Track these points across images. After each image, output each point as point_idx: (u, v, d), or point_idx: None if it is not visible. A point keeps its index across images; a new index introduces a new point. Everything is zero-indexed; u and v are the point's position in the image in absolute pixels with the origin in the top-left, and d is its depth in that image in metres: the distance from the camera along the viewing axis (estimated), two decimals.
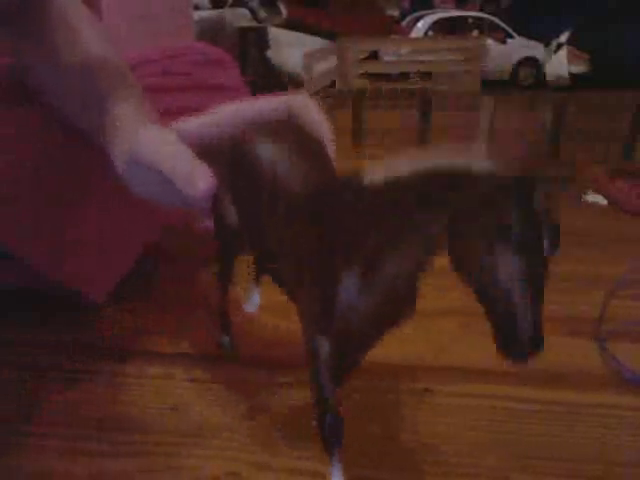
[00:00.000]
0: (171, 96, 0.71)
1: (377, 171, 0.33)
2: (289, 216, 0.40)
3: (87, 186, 0.63)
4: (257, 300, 0.69)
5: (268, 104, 0.44)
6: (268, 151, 0.42)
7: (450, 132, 1.79)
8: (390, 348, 0.65)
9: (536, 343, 0.29)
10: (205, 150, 0.43)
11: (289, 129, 0.44)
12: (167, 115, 0.51)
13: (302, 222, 0.39)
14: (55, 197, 0.61)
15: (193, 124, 0.45)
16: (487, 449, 0.50)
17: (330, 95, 2.44)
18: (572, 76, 4.24)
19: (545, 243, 0.27)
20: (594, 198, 1.18)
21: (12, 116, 0.58)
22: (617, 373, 0.60)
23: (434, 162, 0.30)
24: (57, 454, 0.50)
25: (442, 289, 0.79)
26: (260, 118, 0.43)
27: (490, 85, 3.15)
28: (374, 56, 3.36)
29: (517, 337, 0.28)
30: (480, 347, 0.66)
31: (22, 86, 0.55)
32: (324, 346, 0.38)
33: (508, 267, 0.27)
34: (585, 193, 1.20)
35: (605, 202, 1.16)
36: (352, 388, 0.58)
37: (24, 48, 0.52)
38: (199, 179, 0.38)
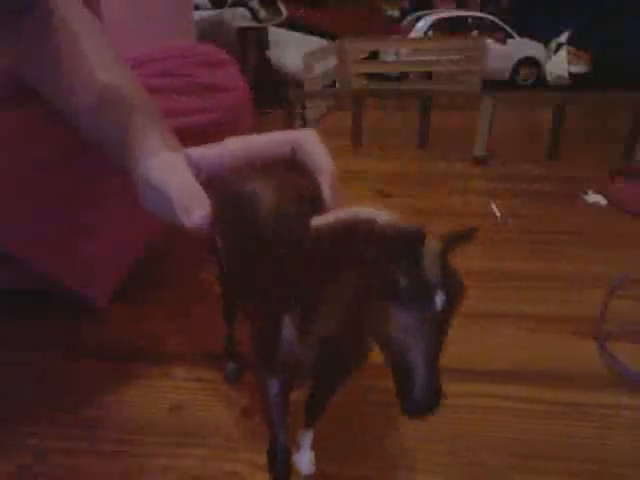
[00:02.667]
0: (172, 97, 0.71)
1: (321, 218, 0.34)
2: (257, 256, 0.39)
3: (87, 187, 0.63)
4: None
5: (273, 139, 0.43)
6: (251, 192, 0.40)
7: (450, 132, 1.79)
8: None
9: (430, 401, 0.27)
10: (206, 181, 0.43)
11: (282, 169, 0.42)
12: (168, 116, 0.51)
13: (264, 263, 0.38)
14: (55, 198, 0.61)
15: (200, 153, 0.45)
16: (487, 449, 0.50)
17: (330, 95, 2.44)
18: (572, 76, 4.24)
19: (439, 300, 0.27)
20: (594, 198, 1.18)
21: (12, 116, 0.58)
22: (617, 373, 0.60)
23: (350, 211, 0.31)
24: (57, 454, 0.50)
25: None
26: (264, 153, 0.43)
27: (490, 85, 3.15)
28: (374, 56, 3.36)
29: (412, 393, 0.28)
30: (480, 347, 0.66)
31: (22, 87, 0.55)
32: (273, 385, 0.39)
33: (400, 323, 0.27)
34: (585, 193, 1.20)
35: (605, 202, 1.16)
36: (351, 388, 0.58)
37: (27, 58, 0.52)
38: (195, 211, 0.40)
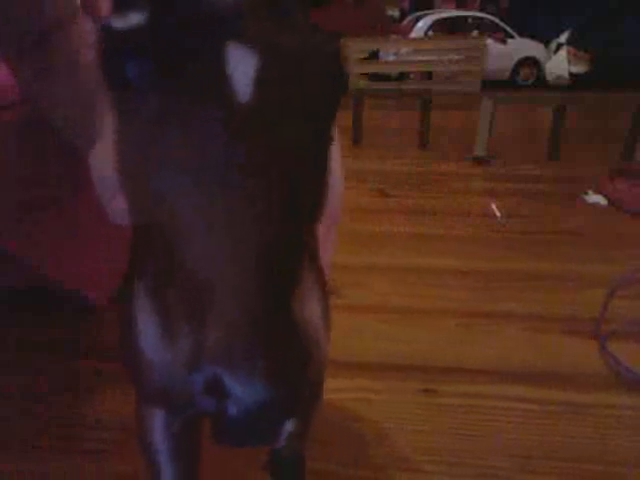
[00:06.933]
0: None
1: None
2: None
3: (87, 188, 0.63)
4: None
5: None
6: None
7: (450, 132, 1.79)
8: (390, 348, 0.66)
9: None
10: None
11: None
12: None
13: None
14: (55, 199, 0.61)
15: None
16: (487, 449, 0.50)
17: None
18: (572, 76, 4.25)
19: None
20: (594, 198, 1.18)
21: (12, 117, 0.58)
22: (617, 373, 0.60)
23: None
24: (57, 453, 0.50)
25: (442, 289, 0.79)
26: None
27: (490, 85, 3.15)
28: (374, 56, 3.36)
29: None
30: (479, 347, 0.66)
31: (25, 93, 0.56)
32: (154, 419, 0.24)
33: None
34: (585, 193, 1.20)
35: (605, 202, 1.16)
36: (352, 387, 0.58)
37: (38, 84, 0.52)
38: (114, 198, 0.39)
